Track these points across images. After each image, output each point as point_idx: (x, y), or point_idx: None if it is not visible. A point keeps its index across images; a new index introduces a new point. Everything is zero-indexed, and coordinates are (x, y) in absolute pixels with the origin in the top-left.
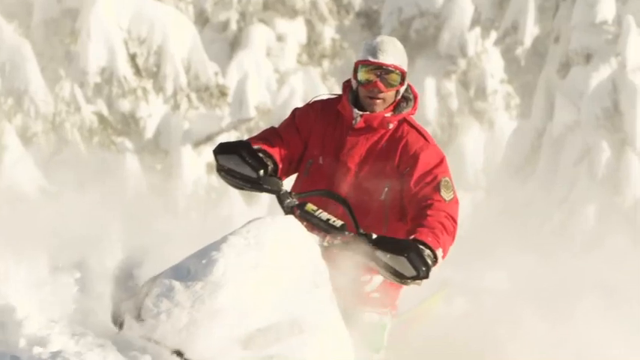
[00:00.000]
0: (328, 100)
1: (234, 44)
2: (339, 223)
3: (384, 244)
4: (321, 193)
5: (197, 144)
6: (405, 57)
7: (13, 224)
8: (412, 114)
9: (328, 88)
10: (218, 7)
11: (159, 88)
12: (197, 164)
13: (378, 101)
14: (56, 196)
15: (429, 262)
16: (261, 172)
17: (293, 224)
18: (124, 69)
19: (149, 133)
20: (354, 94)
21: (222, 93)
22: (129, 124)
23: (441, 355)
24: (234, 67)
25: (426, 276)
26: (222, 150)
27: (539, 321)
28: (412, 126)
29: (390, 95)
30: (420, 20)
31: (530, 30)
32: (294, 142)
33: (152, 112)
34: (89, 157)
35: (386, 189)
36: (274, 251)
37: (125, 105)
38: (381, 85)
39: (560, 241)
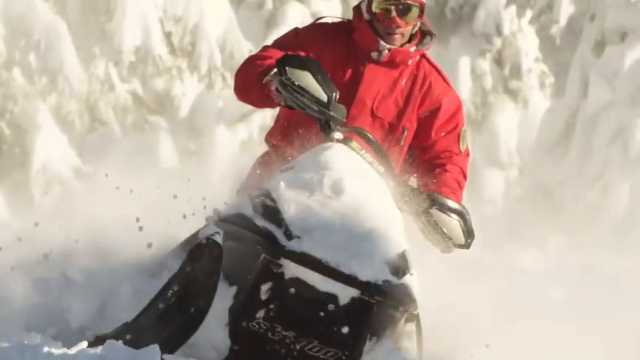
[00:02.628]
0: (337, 24)
1: (270, 23)
2: (381, 168)
3: (440, 203)
4: (357, 130)
5: (231, 123)
6: None
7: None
8: (429, 48)
9: None
10: None
11: (193, 67)
12: (231, 143)
13: (396, 36)
14: (90, 175)
15: (474, 233)
16: (335, 95)
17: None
18: (159, 48)
19: (183, 112)
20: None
21: None
22: (163, 103)
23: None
24: None
25: (469, 247)
26: (292, 63)
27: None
28: (431, 64)
29: (408, 30)
30: (456, 0)
31: (566, 8)
32: None
33: (186, 91)
34: (123, 137)
35: (405, 133)
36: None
37: (159, 84)
38: (400, 21)
39: (594, 220)
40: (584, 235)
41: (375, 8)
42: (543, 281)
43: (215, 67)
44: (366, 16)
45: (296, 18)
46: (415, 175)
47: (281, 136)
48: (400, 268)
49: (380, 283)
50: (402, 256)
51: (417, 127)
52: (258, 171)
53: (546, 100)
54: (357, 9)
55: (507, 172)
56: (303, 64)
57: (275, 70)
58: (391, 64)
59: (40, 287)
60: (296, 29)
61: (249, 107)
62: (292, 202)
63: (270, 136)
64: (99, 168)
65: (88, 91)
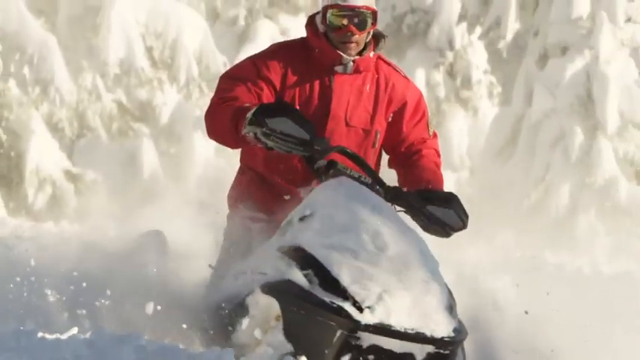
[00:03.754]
0: (291, 44)
1: (242, 38)
2: (368, 179)
3: (431, 198)
4: (336, 149)
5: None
6: None
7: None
8: (383, 48)
9: None
10: (227, 4)
11: (173, 79)
12: (207, 148)
13: (352, 45)
14: (78, 177)
15: (466, 212)
16: (314, 131)
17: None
18: (141, 61)
19: (164, 120)
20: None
21: None
22: (145, 111)
23: None
24: (241, 59)
25: (467, 226)
26: (268, 113)
27: (515, 294)
28: (388, 64)
29: (363, 37)
30: (411, 16)
31: (512, 25)
32: (266, 96)
33: (167, 100)
34: (109, 142)
35: (378, 135)
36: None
37: (142, 94)
38: (354, 29)
39: (537, 217)
40: (529, 230)
41: (329, 19)
42: (491, 271)
43: (193, 79)
44: (321, 27)
45: (266, 34)
46: (395, 168)
47: (262, 162)
48: (454, 307)
49: (452, 334)
50: (451, 295)
51: (388, 126)
52: (245, 190)
53: (494, 108)
54: (310, 24)
55: (459, 174)
56: (278, 112)
57: (249, 119)
58: (355, 73)
59: (35, 279)
60: (252, 60)
61: None
62: (344, 267)
63: (248, 160)
64: (87, 170)
65: (77, 100)
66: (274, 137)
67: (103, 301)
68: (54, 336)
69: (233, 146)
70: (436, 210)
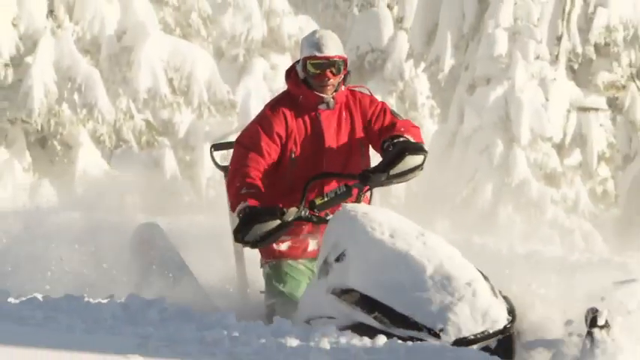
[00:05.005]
0: (279, 99)
1: (241, 71)
2: (342, 187)
3: (387, 164)
4: (306, 186)
5: (214, 142)
6: (340, 43)
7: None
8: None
9: None
10: (230, 45)
11: (188, 102)
12: (215, 155)
13: (329, 87)
14: (116, 177)
15: (419, 143)
16: (278, 212)
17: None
18: (164, 89)
19: (181, 134)
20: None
21: (232, 106)
22: (167, 127)
23: None
24: (241, 88)
25: (427, 151)
26: (243, 232)
27: None
28: (353, 91)
29: (337, 79)
30: (371, 54)
31: (448, 61)
32: (274, 150)
33: (183, 119)
34: (139, 151)
35: (363, 148)
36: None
37: (164, 114)
38: (331, 74)
39: (468, 210)
40: (461, 219)
41: (309, 68)
42: None
43: (203, 102)
44: (301, 75)
45: (259, 68)
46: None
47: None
48: (494, 289)
49: (509, 317)
50: (486, 279)
51: (366, 132)
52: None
53: (435, 125)
54: (290, 75)
55: None
56: (245, 227)
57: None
58: (335, 106)
59: (84, 256)
60: (257, 124)
61: (227, 130)
62: (402, 302)
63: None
64: (122, 172)
65: (115, 119)
66: (260, 243)
67: (132, 275)
68: (96, 301)
69: None
70: (397, 170)
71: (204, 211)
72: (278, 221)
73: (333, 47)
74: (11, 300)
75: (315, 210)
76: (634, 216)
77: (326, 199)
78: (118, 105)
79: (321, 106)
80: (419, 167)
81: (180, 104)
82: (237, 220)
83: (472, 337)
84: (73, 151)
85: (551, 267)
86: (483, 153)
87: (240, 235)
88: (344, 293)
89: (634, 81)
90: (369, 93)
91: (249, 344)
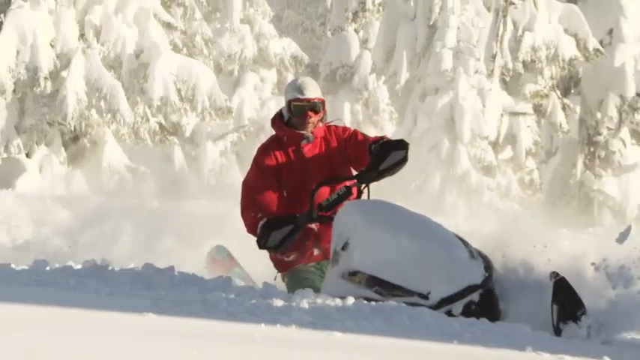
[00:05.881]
0: (269, 143)
1: (236, 83)
2: (343, 189)
3: (376, 162)
4: (313, 192)
5: (214, 140)
6: (319, 87)
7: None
8: (327, 120)
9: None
10: (227, 62)
11: (193, 108)
12: (214, 151)
13: (310, 124)
14: (135, 169)
15: (401, 140)
16: (293, 220)
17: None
18: (174, 97)
19: (187, 134)
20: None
21: (229, 111)
22: (176, 128)
23: None
24: (235, 97)
25: (408, 145)
26: (264, 239)
27: None
28: (328, 125)
29: (317, 117)
30: (341, 69)
31: (404, 75)
32: (273, 182)
33: (189, 121)
34: (154, 148)
35: (343, 168)
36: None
37: (174, 118)
38: (311, 113)
39: (421, 195)
40: (415, 203)
41: (293, 109)
42: None
43: (205, 108)
44: (286, 115)
45: (251, 81)
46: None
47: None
48: (473, 251)
49: (485, 273)
50: (466, 243)
51: (344, 155)
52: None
53: (393, 127)
54: (275, 121)
55: None
56: (265, 235)
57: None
58: (315, 140)
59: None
60: (256, 164)
61: (225, 130)
62: (398, 275)
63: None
64: (139, 165)
65: (134, 122)
66: (281, 246)
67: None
68: (118, 268)
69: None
70: (385, 165)
71: (207, 196)
72: (292, 225)
73: (312, 90)
74: (48, 268)
75: (323, 210)
76: (554, 200)
77: (330, 200)
78: (136, 110)
79: (303, 142)
80: (403, 160)
81: (186, 110)
82: None
83: (454, 293)
84: (99, 148)
85: (492, 241)
86: (432, 149)
87: (262, 242)
88: (351, 275)
89: (554, 91)
90: (342, 124)
91: (242, 304)
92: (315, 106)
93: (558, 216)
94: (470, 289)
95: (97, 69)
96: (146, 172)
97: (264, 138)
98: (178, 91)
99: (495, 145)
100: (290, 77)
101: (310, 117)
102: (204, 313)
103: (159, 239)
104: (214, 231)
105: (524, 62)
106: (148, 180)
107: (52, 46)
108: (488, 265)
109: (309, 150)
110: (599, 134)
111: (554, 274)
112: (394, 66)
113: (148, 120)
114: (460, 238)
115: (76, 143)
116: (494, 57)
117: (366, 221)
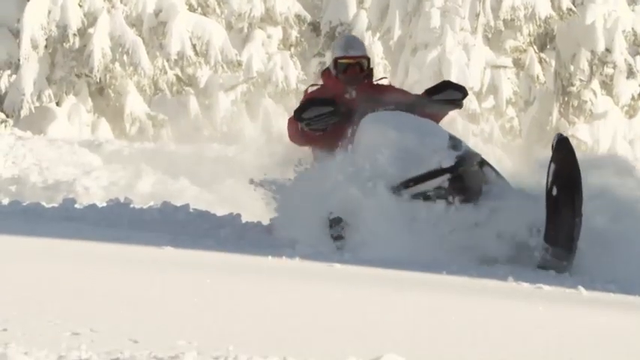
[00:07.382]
0: (319, 89)
1: (245, 40)
2: (391, 107)
3: (432, 91)
4: (360, 100)
5: (226, 90)
6: (364, 45)
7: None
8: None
9: (293, 62)
10: (237, 20)
11: (207, 62)
12: (226, 101)
13: (355, 81)
14: (154, 117)
15: (460, 85)
16: (332, 100)
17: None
18: (189, 52)
19: (201, 85)
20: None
21: (239, 64)
22: (191, 80)
23: None
24: (245, 51)
25: (467, 93)
26: (301, 112)
27: None
28: (370, 80)
29: (363, 74)
30: (340, 27)
31: (396, 32)
32: None
33: (203, 74)
34: (171, 98)
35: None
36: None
37: (189, 70)
38: (357, 70)
39: None
40: None
41: (338, 66)
42: None
43: (218, 62)
44: (333, 71)
45: (259, 37)
46: None
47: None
48: (457, 145)
49: (455, 160)
50: (453, 138)
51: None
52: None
53: (386, 80)
54: (324, 73)
55: None
56: (305, 107)
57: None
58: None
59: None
60: (305, 96)
61: (236, 81)
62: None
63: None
64: (158, 114)
65: (153, 74)
66: (313, 122)
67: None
68: (139, 206)
69: (305, 144)
70: (440, 98)
71: (219, 140)
72: (331, 108)
73: (359, 48)
74: (77, 206)
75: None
76: (532, 145)
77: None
78: (156, 64)
79: (346, 95)
80: (457, 102)
81: (201, 63)
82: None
83: (423, 174)
84: (122, 98)
85: None
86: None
87: (299, 113)
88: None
89: (532, 46)
90: (388, 82)
91: (251, 238)
92: (360, 64)
93: (536, 158)
94: (436, 173)
95: (120, 26)
96: (164, 120)
97: (271, 89)
98: (193, 46)
99: (479, 95)
100: (294, 34)
101: (355, 74)
102: (217, 246)
103: (176, 179)
104: (225, 171)
105: (504, 20)
106: (166, 126)
107: (80, 6)
108: (465, 157)
109: (358, 94)
110: (572, 85)
111: (559, 135)
112: (388, 23)
113: (166, 72)
114: (452, 136)
115: (101, 94)
116: (477, 16)
117: (371, 123)
